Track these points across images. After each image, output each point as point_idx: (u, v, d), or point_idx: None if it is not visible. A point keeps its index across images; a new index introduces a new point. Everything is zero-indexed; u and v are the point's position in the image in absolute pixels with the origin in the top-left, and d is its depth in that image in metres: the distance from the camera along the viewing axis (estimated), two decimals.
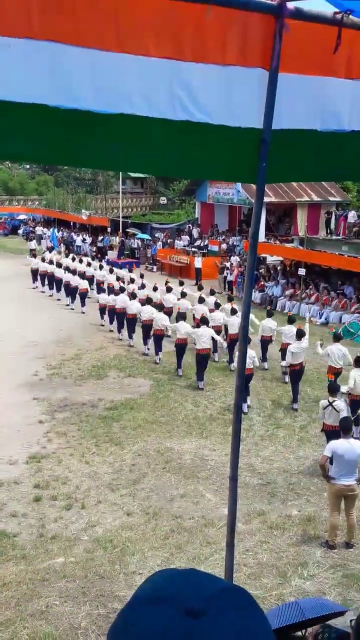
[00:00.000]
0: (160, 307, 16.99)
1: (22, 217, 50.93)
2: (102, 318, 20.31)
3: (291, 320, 15.03)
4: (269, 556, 7.78)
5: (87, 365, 16.10)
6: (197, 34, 2.16)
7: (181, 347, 15.18)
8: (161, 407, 13.05)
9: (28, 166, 66.43)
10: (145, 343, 16.97)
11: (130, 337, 18.07)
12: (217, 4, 2.12)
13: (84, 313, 22.23)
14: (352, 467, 7.85)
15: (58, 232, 42.22)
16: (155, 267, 31.89)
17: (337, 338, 13.25)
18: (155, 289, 19.70)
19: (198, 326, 14.84)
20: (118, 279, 22.90)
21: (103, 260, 29.37)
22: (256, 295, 24.04)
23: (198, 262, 28.59)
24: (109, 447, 11.00)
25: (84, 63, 2.03)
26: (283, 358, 14.11)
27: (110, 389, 14.27)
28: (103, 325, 20.36)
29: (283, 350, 14.23)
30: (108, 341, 18.68)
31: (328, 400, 9.96)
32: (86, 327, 20.62)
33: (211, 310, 16.82)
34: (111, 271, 24.38)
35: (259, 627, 0.72)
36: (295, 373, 13.12)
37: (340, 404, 9.88)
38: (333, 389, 10.19)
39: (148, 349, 16.96)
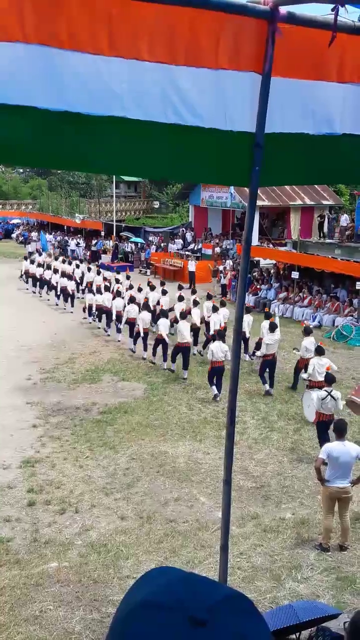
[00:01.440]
0: (145, 306, 17.65)
1: (15, 221, 50.84)
2: (89, 316, 21.16)
3: (267, 316, 15.80)
4: (263, 559, 7.78)
5: (81, 369, 16.07)
6: (190, 38, 2.17)
7: (162, 342, 15.86)
8: (155, 411, 13.04)
9: (22, 170, 66.40)
10: (131, 337, 17.57)
11: (118, 331, 18.83)
12: (210, 9, 2.13)
13: (72, 312, 22.97)
14: (347, 469, 7.86)
15: (52, 236, 42.25)
16: (148, 271, 31.91)
17: (307, 332, 14.21)
18: (140, 289, 20.29)
19: (176, 321, 15.77)
20: (105, 279, 23.81)
21: (93, 264, 29.91)
22: (250, 299, 24.07)
23: (192, 266, 28.62)
24: (103, 451, 10.98)
25: (76, 66, 2.03)
26: (257, 349, 15.40)
27: (104, 392, 14.25)
28: (85, 319, 21.35)
29: (258, 343, 15.59)
30: (102, 345, 18.67)
31: (326, 391, 10.33)
32: (80, 331, 20.60)
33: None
34: (98, 273, 25.31)
35: (261, 634, 0.72)
36: (269, 363, 14.16)
37: (337, 392, 10.40)
38: (330, 379, 10.60)
39: (134, 345, 17.48)
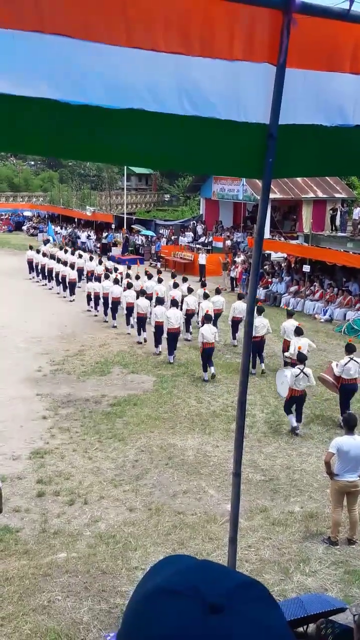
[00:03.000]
0: (142, 292, 18.45)
1: (27, 213, 50.91)
2: (89, 304, 21.98)
3: (240, 297, 17.47)
4: (271, 552, 7.79)
5: (91, 361, 16.12)
6: (205, 29, 2.16)
7: (158, 329, 16.61)
8: (164, 404, 13.06)
9: (33, 162, 66.50)
10: (128, 323, 19.02)
11: (114, 317, 19.97)
12: None
13: (72, 301, 23.70)
14: (357, 463, 7.84)
15: (63, 228, 42.34)
16: (159, 264, 31.90)
17: (289, 315, 15.52)
18: (137, 277, 21.55)
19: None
20: (106, 269, 24.40)
21: (103, 256, 30.55)
22: (260, 292, 24.01)
23: (202, 259, 28.55)
24: (112, 442, 11.02)
25: (93, 58, 2.03)
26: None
27: (113, 385, 14.29)
28: (89, 310, 21.90)
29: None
30: (111, 337, 18.70)
31: (299, 368, 11.44)
32: (89, 323, 20.65)
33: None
34: (100, 262, 26.09)
35: (277, 621, 0.71)
36: (257, 344, 14.73)
37: (309, 370, 11.62)
38: (302, 358, 11.74)
39: (132, 327, 18.77)
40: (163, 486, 9.49)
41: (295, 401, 11.62)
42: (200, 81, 2.23)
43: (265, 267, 26.06)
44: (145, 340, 17.88)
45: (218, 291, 18.92)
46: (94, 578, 7.21)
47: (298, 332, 13.60)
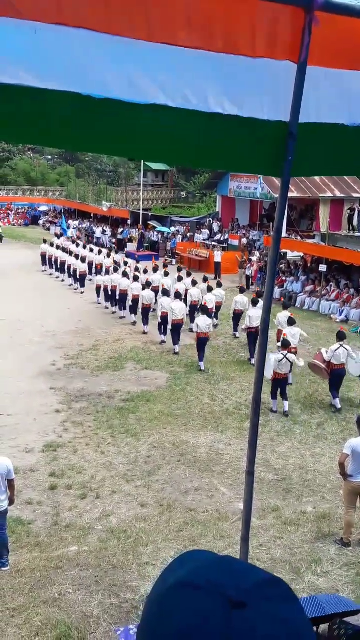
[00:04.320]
0: (148, 284, 19.35)
1: (43, 208, 51.13)
2: (98, 297, 22.61)
3: (242, 290, 18.63)
4: (283, 552, 7.78)
5: (105, 356, 16.17)
6: (228, 25, 2.15)
7: (164, 319, 17.22)
8: (177, 400, 13.07)
9: (50, 157, 66.69)
10: (132, 312, 19.83)
11: (120, 308, 20.68)
12: None
13: (82, 293, 24.26)
14: None
15: (77, 222, 42.51)
16: (174, 261, 31.89)
17: (285, 307, 16.44)
18: (145, 271, 22.22)
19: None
20: (115, 262, 25.05)
21: (120, 252, 31.20)
22: (275, 291, 23.92)
23: (218, 257, 28.47)
24: (125, 438, 11.05)
25: (116, 52, 2.03)
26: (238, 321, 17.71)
27: (127, 380, 14.33)
28: (100, 304, 22.38)
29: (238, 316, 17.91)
30: (126, 333, 18.74)
31: (282, 354, 12.42)
32: (104, 318, 20.71)
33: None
34: (108, 255, 26.73)
35: (299, 619, 0.71)
36: (252, 334, 15.47)
37: (292, 356, 12.62)
38: (285, 344, 12.78)
39: (134, 317, 19.67)
40: (175, 483, 9.50)
41: (278, 384, 12.56)
42: (224, 77, 2.22)
43: (281, 266, 25.96)
44: (146, 332, 18.63)
45: (220, 285, 19.84)
46: (104, 572, 7.25)
47: (290, 322, 14.42)
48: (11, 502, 7.45)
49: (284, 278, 25.48)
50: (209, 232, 34.77)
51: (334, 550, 7.87)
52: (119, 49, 2.03)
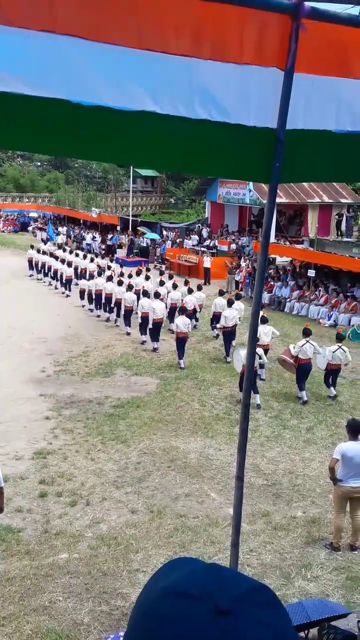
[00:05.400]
0: (130, 287, 19.94)
1: (33, 214, 51.04)
2: (82, 299, 23.01)
3: (221, 293, 19.14)
4: (273, 557, 7.78)
5: (95, 362, 16.14)
6: (216, 32, 2.16)
7: (144, 319, 17.81)
8: (167, 406, 13.06)
9: (39, 163, 66.64)
10: (118, 316, 20.36)
11: (105, 310, 21.16)
12: (233, 3, 2.12)
13: (69, 296, 24.88)
14: None
15: (66, 228, 42.50)
16: (164, 266, 31.91)
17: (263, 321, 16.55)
18: (130, 275, 22.70)
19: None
20: (98, 266, 25.72)
21: (107, 258, 31.32)
22: (264, 296, 23.99)
23: (207, 262, 28.56)
24: (115, 444, 11.02)
25: (105, 59, 2.04)
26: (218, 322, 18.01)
27: (117, 386, 14.30)
28: (84, 306, 22.83)
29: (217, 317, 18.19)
30: (115, 339, 18.72)
31: None
32: (94, 324, 20.69)
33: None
34: (92, 260, 27.28)
35: (285, 625, 0.72)
36: (228, 333, 16.71)
37: (260, 350, 13.08)
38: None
39: (116, 320, 20.38)
40: (165, 489, 9.49)
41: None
42: (211, 84, 2.23)
43: (270, 271, 26.06)
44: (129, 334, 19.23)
45: (200, 288, 20.28)
46: (95, 579, 7.21)
47: (263, 320, 14.95)
48: (1, 510, 7.39)
49: (272, 283, 25.56)
50: (198, 238, 34.85)
51: (323, 555, 7.88)
52: (109, 57, 2.04)
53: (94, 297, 21.73)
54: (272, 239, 26.89)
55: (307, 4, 2.26)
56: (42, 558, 7.60)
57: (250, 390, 3.10)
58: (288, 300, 24.27)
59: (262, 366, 14.44)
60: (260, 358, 13.08)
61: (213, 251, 31.48)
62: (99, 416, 12.35)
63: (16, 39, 1.92)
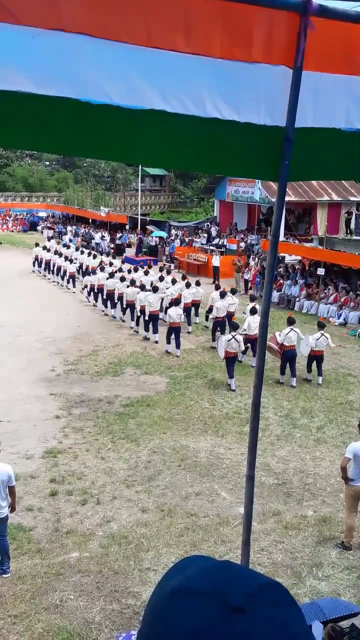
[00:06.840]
0: (132, 282, 20.38)
1: (42, 214, 51.18)
2: (82, 293, 23.87)
3: (217, 287, 19.59)
4: (284, 556, 7.76)
5: (104, 361, 16.16)
6: (225, 30, 2.16)
7: (142, 312, 18.57)
8: (177, 405, 13.06)
9: (48, 162, 66.79)
10: (123, 312, 20.67)
11: (106, 305, 21.76)
12: (242, 1, 2.11)
13: (74, 292, 25.51)
14: None
15: (77, 229, 42.62)
16: (172, 265, 31.91)
17: (252, 299, 18.02)
18: (129, 271, 23.54)
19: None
20: (101, 262, 25.86)
21: (117, 257, 31.84)
22: (274, 295, 23.93)
23: (216, 261, 28.51)
24: (125, 443, 11.04)
25: (114, 57, 2.04)
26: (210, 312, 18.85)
27: (126, 385, 14.32)
28: (89, 302, 23.34)
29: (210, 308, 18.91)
30: (125, 338, 18.75)
31: (231, 335, 14.23)
32: (103, 323, 20.72)
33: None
34: (94, 257, 27.69)
35: (299, 624, 0.71)
36: (219, 323, 17.70)
37: (240, 337, 14.33)
38: (235, 326, 14.62)
39: (114, 313, 21.10)
40: (175, 488, 9.49)
41: (230, 361, 14.32)
42: (220, 83, 2.23)
43: (279, 269, 25.98)
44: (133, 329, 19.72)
45: (198, 283, 20.48)
46: (106, 578, 7.23)
47: (252, 311, 15.73)
48: (12, 509, 7.43)
49: (282, 282, 25.49)
50: (207, 237, 34.81)
51: (335, 554, 7.85)
52: (118, 55, 2.04)
53: (95, 291, 22.48)
54: (282, 237, 26.82)
55: (315, 2, 2.25)
56: (53, 557, 7.63)
57: (261, 387, 3.09)
58: (297, 299, 24.19)
59: (243, 352, 15.53)
60: (238, 343, 14.18)
61: (222, 250, 31.44)
62: (109, 415, 12.37)
63: (25, 37, 1.93)
